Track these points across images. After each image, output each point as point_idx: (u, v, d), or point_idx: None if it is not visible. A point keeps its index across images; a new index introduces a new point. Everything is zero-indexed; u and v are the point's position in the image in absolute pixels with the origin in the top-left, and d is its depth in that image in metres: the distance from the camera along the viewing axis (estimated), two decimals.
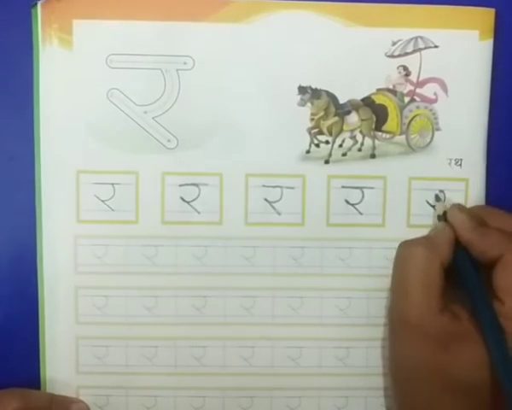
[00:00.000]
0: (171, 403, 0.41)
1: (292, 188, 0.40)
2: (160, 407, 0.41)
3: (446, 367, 0.35)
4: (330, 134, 0.40)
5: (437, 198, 0.40)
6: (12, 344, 0.40)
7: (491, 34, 0.39)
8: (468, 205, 0.40)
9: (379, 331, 0.40)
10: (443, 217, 0.39)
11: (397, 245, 0.39)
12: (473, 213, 0.38)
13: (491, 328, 0.35)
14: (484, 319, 0.35)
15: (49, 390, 0.40)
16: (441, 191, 0.40)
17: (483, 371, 0.35)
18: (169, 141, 0.40)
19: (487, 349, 0.35)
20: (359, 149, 0.40)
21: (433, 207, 0.40)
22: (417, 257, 0.36)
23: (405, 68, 0.40)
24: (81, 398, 0.40)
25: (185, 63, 0.39)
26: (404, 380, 0.37)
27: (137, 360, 0.40)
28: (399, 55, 0.40)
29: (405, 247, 0.38)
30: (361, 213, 0.40)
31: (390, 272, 0.40)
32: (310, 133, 0.40)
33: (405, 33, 0.40)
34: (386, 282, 0.40)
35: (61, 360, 0.40)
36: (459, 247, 0.37)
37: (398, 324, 0.37)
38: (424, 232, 0.40)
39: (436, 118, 0.40)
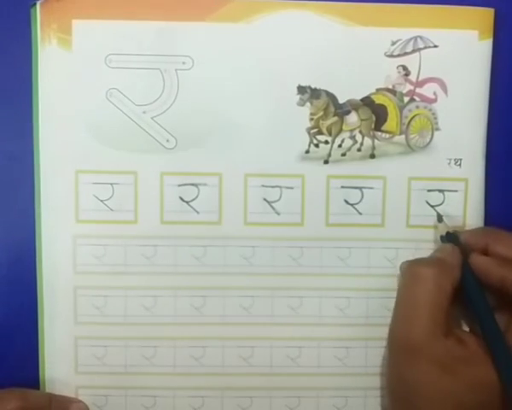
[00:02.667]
0: (170, 403, 0.41)
1: (291, 188, 0.40)
2: (159, 406, 0.41)
3: (456, 391, 0.34)
4: (330, 134, 0.40)
5: (439, 219, 0.39)
6: (11, 344, 0.40)
7: (491, 34, 0.39)
8: (468, 206, 0.40)
9: (378, 331, 0.40)
10: (446, 238, 0.38)
11: (396, 245, 0.39)
12: (477, 237, 0.37)
13: (497, 344, 0.35)
14: (490, 336, 0.35)
15: (48, 390, 0.40)
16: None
17: (494, 391, 0.34)
18: (168, 141, 0.40)
19: (495, 367, 0.34)
20: (359, 149, 0.40)
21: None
22: (429, 279, 0.35)
23: (405, 68, 0.40)
24: (80, 398, 0.40)
25: (184, 63, 0.39)
26: (408, 402, 0.36)
27: (136, 360, 0.40)
28: (399, 55, 0.40)
29: (415, 266, 0.37)
30: (360, 213, 0.40)
31: (389, 271, 0.40)
32: (309, 133, 0.40)
33: (405, 33, 0.40)
34: (386, 282, 0.40)
35: (61, 360, 0.40)
36: (465, 269, 0.37)
37: (401, 345, 0.36)
38: (423, 233, 0.40)
39: (436, 118, 0.40)
